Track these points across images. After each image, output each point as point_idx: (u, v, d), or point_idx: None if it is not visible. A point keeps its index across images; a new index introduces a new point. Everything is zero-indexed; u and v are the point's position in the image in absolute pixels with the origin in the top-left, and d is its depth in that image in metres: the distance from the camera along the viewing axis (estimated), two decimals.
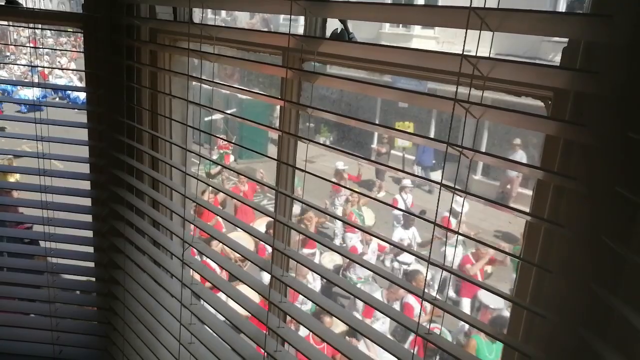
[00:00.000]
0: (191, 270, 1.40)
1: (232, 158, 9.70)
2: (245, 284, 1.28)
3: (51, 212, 1.68)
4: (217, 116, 11.17)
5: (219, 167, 8.12)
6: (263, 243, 1.23)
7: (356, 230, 7.11)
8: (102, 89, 1.60)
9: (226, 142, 9.71)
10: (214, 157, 9.32)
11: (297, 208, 7.41)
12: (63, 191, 1.67)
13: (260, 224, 6.38)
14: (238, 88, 1.37)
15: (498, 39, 0.78)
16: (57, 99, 13.46)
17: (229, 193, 1.34)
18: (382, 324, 5.32)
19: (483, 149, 10.99)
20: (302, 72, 1.14)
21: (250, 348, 1.30)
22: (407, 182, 8.39)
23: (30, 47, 1.73)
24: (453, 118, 0.81)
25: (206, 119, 11.08)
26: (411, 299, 5.26)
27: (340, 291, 5.80)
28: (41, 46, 1.77)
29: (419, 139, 0.95)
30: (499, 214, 7.81)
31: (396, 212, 7.99)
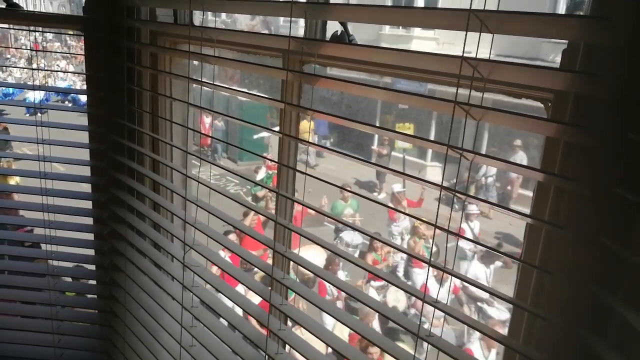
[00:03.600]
0: (192, 272, 1.40)
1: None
2: (246, 286, 1.28)
3: (52, 214, 1.68)
4: (265, 134, 10.80)
5: (265, 190, 7.61)
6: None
7: (424, 265, 5.86)
8: (102, 92, 1.60)
9: (274, 163, 9.06)
10: (260, 176, 8.68)
11: (359, 238, 6.97)
12: (64, 194, 1.67)
13: (307, 250, 5.42)
14: (238, 90, 1.38)
15: (497, 41, 0.78)
16: (59, 102, 13.48)
17: (236, 199, 1.33)
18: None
19: (483, 151, 11.02)
20: (302, 74, 1.14)
21: (251, 350, 1.30)
22: (473, 208, 7.00)
23: (31, 50, 1.73)
24: (453, 120, 0.81)
25: (255, 136, 10.98)
26: None
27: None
28: (42, 49, 1.77)
29: (419, 141, 0.95)
30: (499, 215, 7.78)
31: (460, 244, 6.68)
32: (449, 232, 0.90)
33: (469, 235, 6.69)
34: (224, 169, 1.47)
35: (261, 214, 1.33)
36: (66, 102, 13.54)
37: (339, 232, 7.41)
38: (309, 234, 1.21)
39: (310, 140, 1.15)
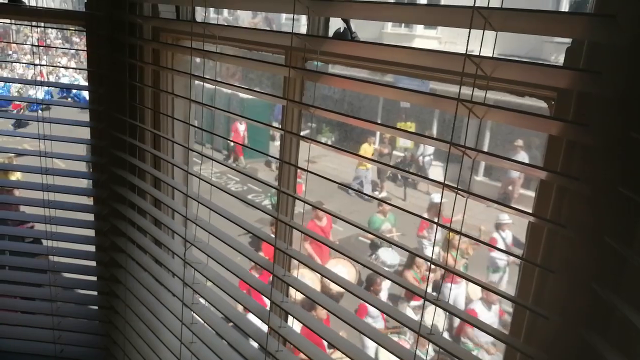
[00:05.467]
0: (193, 269, 1.40)
1: (303, 187, 8.58)
2: (248, 283, 1.28)
3: (53, 210, 1.68)
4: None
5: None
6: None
7: (459, 280, 5.68)
8: (104, 88, 1.60)
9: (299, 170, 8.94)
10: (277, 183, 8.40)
11: (397, 258, 6.69)
12: (65, 190, 1.67)
13: (335, 265, 5.46)
14: (240, 87, 1.37)
15: (499, 40, 0.78)
16: (62, 99, 13.48)
17: (239, 197, 1.33)
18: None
19: (485, 150, 10.95)
20: (305, 71, 1.14)
21: (251, 348, 1.30)
22: (504, 217, 6.81)
23: (33, 45, 1.73)
24: (456, 118, 0.81)
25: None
26: None
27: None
28: (43, 45, 1.76)
29: (422, 139, 0.95)
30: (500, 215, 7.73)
31: (493, 254, 6.70)
32: (448, 228, 0.89)
33: (500, 245, 6.43)
34: (227, 167, 1.46)
35: (261, 210, 1.33)
36: (68, 99, 13.55)
37: (375, 248, 7.08)
38: (310, 232, 1.21)
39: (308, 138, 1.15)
